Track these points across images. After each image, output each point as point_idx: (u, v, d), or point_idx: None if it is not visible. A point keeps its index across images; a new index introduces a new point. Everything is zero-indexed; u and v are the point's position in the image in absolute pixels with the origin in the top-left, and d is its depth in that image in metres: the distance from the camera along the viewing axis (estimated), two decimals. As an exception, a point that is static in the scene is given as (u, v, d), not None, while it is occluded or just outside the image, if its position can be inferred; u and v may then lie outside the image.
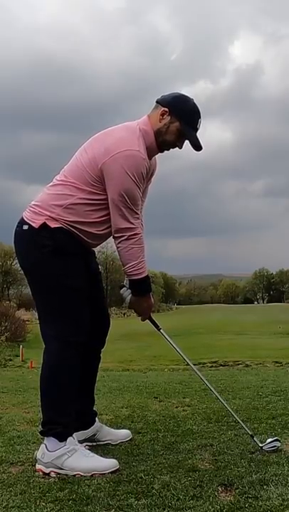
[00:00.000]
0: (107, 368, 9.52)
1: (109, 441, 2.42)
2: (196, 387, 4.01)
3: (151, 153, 2.23)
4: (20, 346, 18.06)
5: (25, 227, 2.17)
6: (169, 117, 2.20)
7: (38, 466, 2.07)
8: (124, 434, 2.49)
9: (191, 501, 1.68)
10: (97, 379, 2.49)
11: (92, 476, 1.99)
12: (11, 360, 17.23)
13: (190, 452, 2.21)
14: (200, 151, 2.26)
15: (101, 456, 2.13)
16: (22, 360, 16.07)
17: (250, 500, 1.66)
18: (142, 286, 2.23)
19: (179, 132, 2.21)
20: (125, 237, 2.14)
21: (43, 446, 2.10)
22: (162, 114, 2.21)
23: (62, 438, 2.08)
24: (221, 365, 14.33)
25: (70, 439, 2.10)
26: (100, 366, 2.47)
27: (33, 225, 2.15)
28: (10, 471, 2.09)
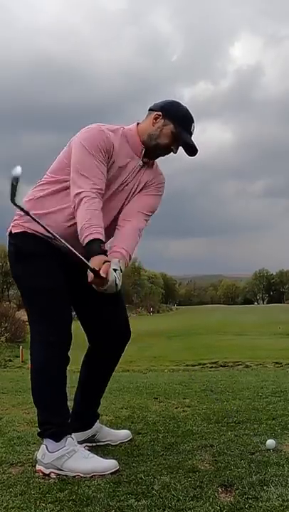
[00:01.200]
0: (107, 368, 9.48)
1: (109, 442, 2.42)
2: (196, 388, 4.01)
3: (132, 148, 2.21)
4: (20, 347, 18.04)
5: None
6: (162, 120, 2.21)
7: (38, 467, 2.07)
8: (124, 434, 2.49)
9: (191, 502, 1.67)
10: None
11: (92, 477, 1.99)
12: (10, 360, 17.23)
13: (190, 453, 2.21)
14: (195, 156, 2.25)
15: (101, 456, 2.13)
16: (22, 361, 16.06)
17: (250, 501, 1.65)
18: (89, 248, 1.98)
19: (172, 135, 2.21)
20: (75, 204, 2.03)
21: (43, 446, 2.10)
22: (155, 118, 2.22)
23: (57, 438, 2.07)
24: (221, 365, 14.32)
25: (69, 439, 2.09)
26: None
27: (7, 233, 2.24)
28: (10, 472, 2.08)
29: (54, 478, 2.00)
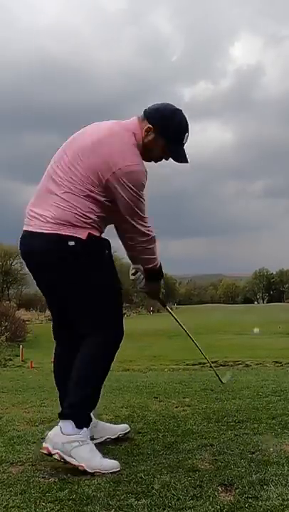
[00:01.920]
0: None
1: (108, 438, 2.43)
2: (196, 387, 4.01)
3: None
4: (20, 346, 18.03)
5: None
6: (153, 135, 2.22)
7: (44, 445, 2.08)
8: (121, 427, 2.51)
9: (191, 501, 1.68)
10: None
11: (94, 473, 1.99)
12: (11, 360, 17.21)
13: (190, 452, 2.21)
14: (187, 163, 2.28)
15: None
16: (22, 360, 16.05)
17: (250, 500, 1.66)
18: (157, 273, 2.41)
19: (163, 149, 2.26)
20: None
21: (57, 428, 2.10)
22: (147, 131, 2.22)
23: (80, 424, 2.09)
24: (221, 365, 14.29)
25: (85, 429, 2.11)
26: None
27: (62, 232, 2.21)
28: (10, 471, 2.09)
29: (57, 459, 2.04)
